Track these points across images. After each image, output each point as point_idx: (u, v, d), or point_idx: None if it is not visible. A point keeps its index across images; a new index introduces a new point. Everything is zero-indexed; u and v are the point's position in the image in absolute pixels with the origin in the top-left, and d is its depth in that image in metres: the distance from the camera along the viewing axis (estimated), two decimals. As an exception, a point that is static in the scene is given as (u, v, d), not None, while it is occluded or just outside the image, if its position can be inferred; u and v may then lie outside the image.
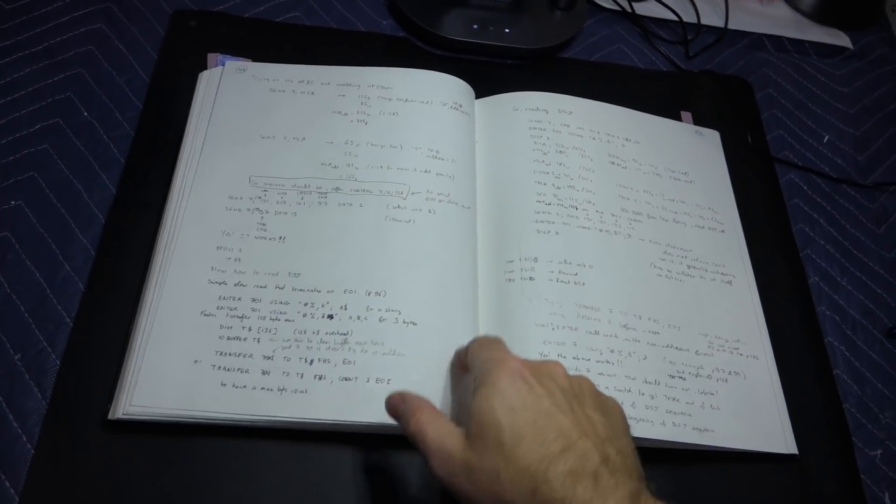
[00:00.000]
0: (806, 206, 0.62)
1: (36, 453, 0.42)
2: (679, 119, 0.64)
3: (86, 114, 0.56)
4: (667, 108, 0.64)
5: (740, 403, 0.49)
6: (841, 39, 0.75)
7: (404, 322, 0.46)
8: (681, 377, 0.48)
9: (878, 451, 0.51)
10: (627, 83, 0.66)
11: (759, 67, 0.71)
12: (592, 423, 0.35)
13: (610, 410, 0.37)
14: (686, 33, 0.70)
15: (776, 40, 0.73)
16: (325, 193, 0.51)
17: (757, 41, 0.73)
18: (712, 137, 0.63)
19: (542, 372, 0.37)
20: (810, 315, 0.56)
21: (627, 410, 0.45)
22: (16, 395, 0.44)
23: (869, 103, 0.70)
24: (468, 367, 0.40)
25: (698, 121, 0.64)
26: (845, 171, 0.65)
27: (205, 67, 0.58)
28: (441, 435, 0.35)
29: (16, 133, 0.54)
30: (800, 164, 0.65)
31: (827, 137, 0.67)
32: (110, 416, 0.43)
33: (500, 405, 0.34)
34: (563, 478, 0.32)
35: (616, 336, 0.48)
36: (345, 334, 0.46)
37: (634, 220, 0.55)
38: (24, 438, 0.43)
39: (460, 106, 0.56)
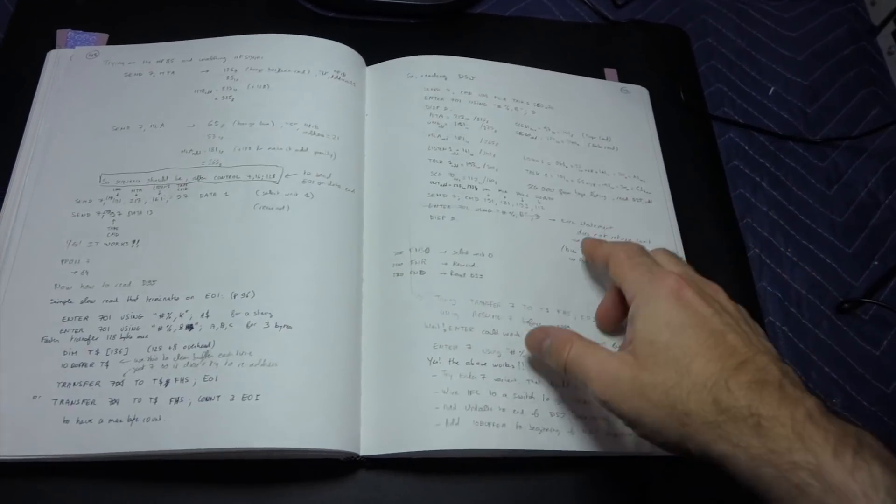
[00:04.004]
0: (747, 168, 0.56)
1: None
2: (602, 77, 0.57)
3: (-84, 105, 0.49)
4: (590, 66, 0.57)
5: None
6: (790, -22, 0.68)
7: (276, 326, 0.40)
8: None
9: (825, 444, 0.45)
10: (546, 39, 0.59)
11: (697, 14, 0.63)
12: (763, 344, 0.34)
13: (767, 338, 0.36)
14: (613, -21, 0.63)
15: (716, -18, 0.66)
16: (186, 185, 0.45)
17: (695, -16, 0.65)
18: (640, 95, 0.56)
19: (706, 291, 0.36)
20: (749, 292, 0.50)
21: (528, 420, 0.41)
22: None
23: (820, 49, 0.63)
24: (601, 266, 0.42)
25: (625, 78, 0.57)
26: (792, 126, 0.59)
27: (56, 46, 0.51)
28: (602, 361, 0.36)
29: None
30: (741, 121, 0.58)
31: (772, 89, 0.60)
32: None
33: (668, 324, 0.34)
34: (747, 386, 0.31)
35: (518, 334, 0.42)
36: (206, 346, 0.39)
37: (544, 197, 0.48)
38: None
39: (343, 75, 0.49)
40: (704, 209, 0.52)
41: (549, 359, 0.39)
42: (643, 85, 0.57)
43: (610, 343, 0.43)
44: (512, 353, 0.42)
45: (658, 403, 0.33)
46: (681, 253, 0.49)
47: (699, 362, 0.33)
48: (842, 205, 0.55)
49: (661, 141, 0.54)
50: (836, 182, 0.56)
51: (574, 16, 0.61)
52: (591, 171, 0.50)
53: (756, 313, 0.49)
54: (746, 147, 0.57)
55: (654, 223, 0.49)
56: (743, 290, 0.50)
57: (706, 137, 0.56)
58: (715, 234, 0.51)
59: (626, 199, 0.50)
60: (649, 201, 0.50)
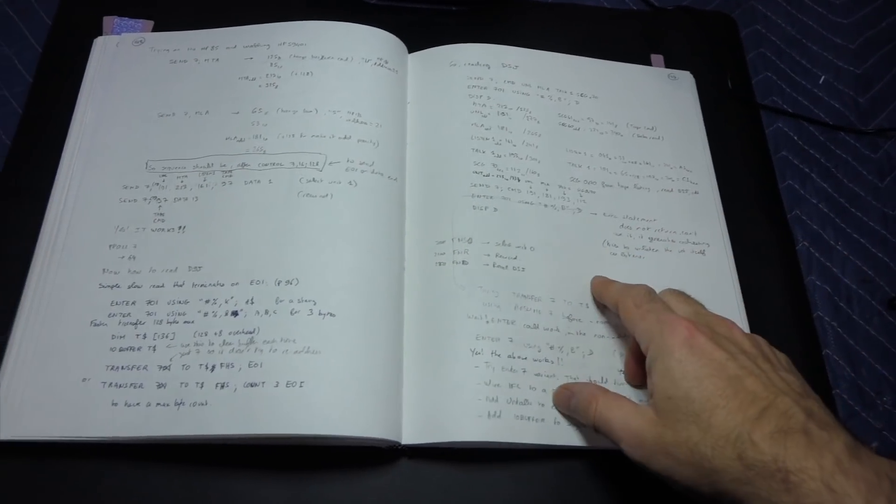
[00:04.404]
0: (796, 158, 0.54)
1: None
2: (649, 64, 0.56)
3: (-32, 92, 0.50)
4: (635, 53, 0.56)
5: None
6: (843, -38, 0.65)
7: (320, 313, 0.40)
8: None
9: (875, 444, 0.44)
10: (590, 26, 0.57)
11: (746, 0, 0.62)
12: (784, 381, 0.33)
13: (790, 367, 0.36)
14: (659, -36, 0.61)
15: (767, -33, 0.64)
16: (230, 172, 0.45)
17: (744, -31, 0.64)
18: (687, 82, 0.55)
19: (719, 334, 0.35)
20: (797, 286, 0.49)
21: (567, 416, 0.40)
22: None
23: (873, 36, 0.61)
24: (612, 309, 0.41)
25: (671, 65, 0.56)
26: (844, 116, 0.57)
27: (102, 33, 0.52)
28: (626, 418, 0.35)
29: None
30: (790, 110, 0.56)
31: (823, 78, 0.59)
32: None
33: (684, 377, 0.33)
34: (770, 437, 0.30)
35: (558, 329, 0.42)
36: (251, 332, 0.40)
37: (586, 190, 0.47)
38: None
39: (386, 62, 0.49)
40: (752, 200, 0.51)
41: (578, 417, 0.39)
42: (690, 73, 0.55)
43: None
44: (551, 348, 0.42)
45: (685, 461, 0.32)
46: (727, 247, 0.48)
47: (719, 415, 0.32)
48: (895, 197, 0.53)
49: (707, 130, 0.53)
50: (889, 174, 0.55)
51: (619, 2, 0.60)
52: (635, 162, 0.49)
53: (804, 309, 0.48)
54: (796, 137, 0.55)
55: (700, 214, 0.48)
56: (791, 284, 0.49)
57: (754, 127, 0.55)
58: (762, 226, 0.50)
59: (672, 190, 0.49)
60: (696, 192, 0.49)
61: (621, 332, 0.43)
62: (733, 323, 0.37)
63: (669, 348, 0.34)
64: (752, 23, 0.61)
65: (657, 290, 0.40)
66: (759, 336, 0.37)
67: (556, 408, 0.40)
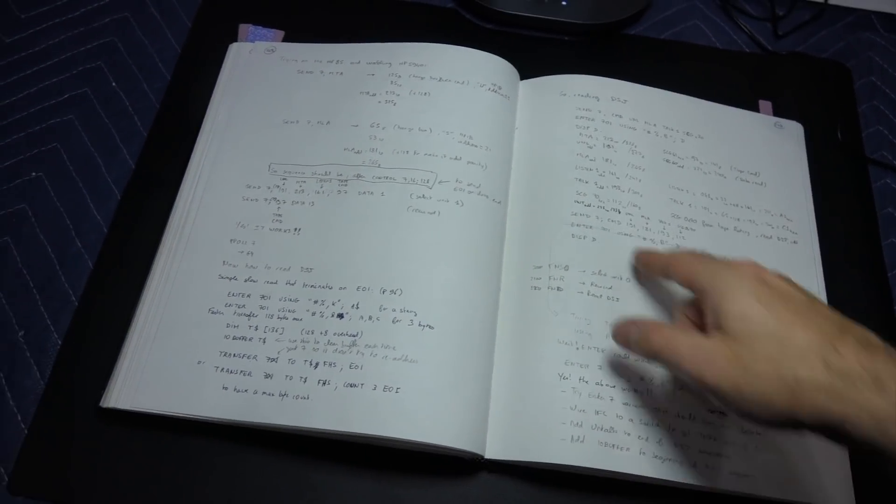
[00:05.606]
0: (902, 217, 0.54)
1: (29, 433, 0.42)
2: (756, 109, 0.56)
3: (114, 84, 0.54)
4: (744, 96, 0.56)
5: (793, 448, 0.42)
6: (969, 18, 0.64)
7: (420, 325, 0.42)
8: (721, 411, 0.42)
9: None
10: (700, 66, 0.58)
11: (863, 50, 0.61)
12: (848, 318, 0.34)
13: None
14: (775, 8, 0.61)
15: (886, 18, 0.63)
16: (346, 181, 0.48)
17: (863, 19, 0.63)
18: (794, 131, 0.55)
19: (780, 275, 0.36)
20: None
21: (652, 448, 0.41)
22: (15, 373, 0.44)
23: None
24: (659, 276, 0.43)
25: (780, 111, 0.56)
26: (956, 176, 0.56)
27: (237, 38, 0.56)
28: (695, 341, 0.35)
29: (44, 102, 0.53)
30: (900, 166, 0.56)
31: (937, 136, 0.58)
32: (102, 404, 0.42)
33: (759, 301, 0.34)
34: (855, 348, 0.31)
35: (647, 361, 0.43)
36: (354, 336, 0.42)
37: (686, 228, 0.48)
38: (20, 417, 0.43)
39: (500, 88, 0.51)
40: (852, 256, 0.51)
41: (637, 348, 0.38)
42: (798, 120, 0.55)
43: None
44: (641, 379, 0.42)
45: (762, 374, 0.32)
46: (823, 298, 0.48)
47: (798, 331, 0.32)
48: None
49: (812, 180, 0.53)
50: None
51: (731, 43, 0.61)
52: (737, 205, 0.50)
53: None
54: (903, 195, 0.55)
55: (798, 265, 0.48)
56: (886, 345, 0.48)
57: (861, 181, 0.54)
58: (861, 282, 0.50)
59: (771, 237, 0.49)
60: (795, 242, 0.49)
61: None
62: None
63: (740, 277, 0.35)
64: (868, 74, 0.60)
65: None
66: None
67: (615, 342, 0.40)
